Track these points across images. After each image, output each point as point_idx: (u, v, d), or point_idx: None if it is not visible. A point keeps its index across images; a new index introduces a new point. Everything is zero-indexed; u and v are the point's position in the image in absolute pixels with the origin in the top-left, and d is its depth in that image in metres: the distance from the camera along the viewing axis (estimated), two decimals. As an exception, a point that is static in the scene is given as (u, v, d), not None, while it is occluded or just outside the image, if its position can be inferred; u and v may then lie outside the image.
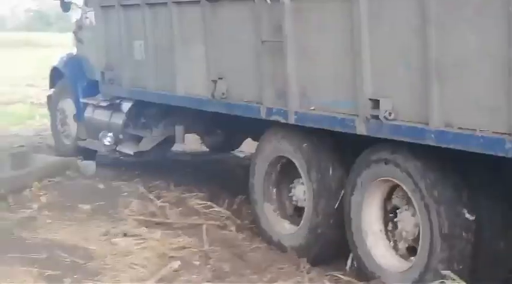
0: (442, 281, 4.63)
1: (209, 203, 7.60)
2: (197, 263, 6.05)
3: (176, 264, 5.90)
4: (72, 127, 10.01)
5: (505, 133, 3.96)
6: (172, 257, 6.13)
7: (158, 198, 7.98)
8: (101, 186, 8.21)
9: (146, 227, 6.97)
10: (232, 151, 9.87)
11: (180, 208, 7.55)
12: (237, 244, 6.55)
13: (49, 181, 8.23)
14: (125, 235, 6.72)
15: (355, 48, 5.10)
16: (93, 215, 7.31)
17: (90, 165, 8.79)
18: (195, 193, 8.03)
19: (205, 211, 7.50)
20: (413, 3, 4.62)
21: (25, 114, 13.18)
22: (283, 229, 6.46)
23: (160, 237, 6.65)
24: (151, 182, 8.59)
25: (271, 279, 5.60)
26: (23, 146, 10.02)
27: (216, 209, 7.35)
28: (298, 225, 6.21)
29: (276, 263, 6.03)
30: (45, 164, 8.66)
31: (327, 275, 5.70)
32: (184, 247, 6.41)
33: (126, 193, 7.97)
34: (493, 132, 4.13)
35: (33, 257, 5.89)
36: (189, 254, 6.25)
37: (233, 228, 6.92)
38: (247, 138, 7.50)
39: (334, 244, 5.89)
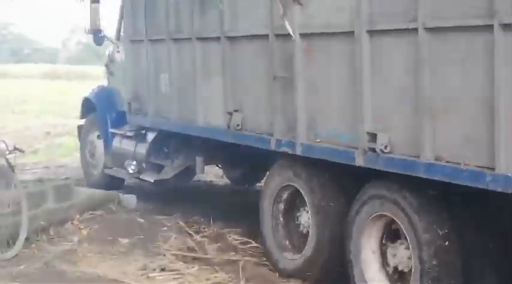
0: None
1: (246, 239, 7.65)
2: (234, 300, 5.51)
3: (214, 303, 5.40)
4: (100, 158, 10.26)
5: (486, 167, 4.34)
6: (209, 293, 5.62)
7: (197, 232, 8.05)
8: (141, 220, 8.26)
9: (184, 262, 6.99)
10: (257, 184, 9.98)
11: (218, 244, 7.58)
12: (272, 280, 6.62)
13: (90, 214, 8.30)
14: (163, 270, 6.72)
15: (356, 86, 5.47)
16: (132, 249, 7.36)
17: (131, 199, 8.85)
18: (233, 229, 8.10)
19: (243, 246, 7.55)
20: (409, 48, 5.10)
21: (73, 145, 13.22)
22: (283, 251, 6.88)
23: (198, 272, 6.68)
24: (190, 216, 8.66)
25: None
26: (68, 178, 10.03)
27: (253, 245, 7.40)
28: (302, 251, 6.54)
29: None
30: (87, 197, 8.68)
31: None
32: (220, 283, 6.45)
33: (165, 228, 8.05)
34: (476, 166, 4.46)
35: (69, 292, 5.46)
36: (226, 291, 5.73)
37: (270, 264, 6.85)
38: (267, 171, 7.51)
39: (334, 270, 6.24)
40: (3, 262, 6.68)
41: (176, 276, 6.59)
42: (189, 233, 7.91)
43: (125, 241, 7.56)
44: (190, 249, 7.43)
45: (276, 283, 6.55)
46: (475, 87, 4.50)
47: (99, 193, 8.95)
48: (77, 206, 8.34)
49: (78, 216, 8.12)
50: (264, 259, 6.98)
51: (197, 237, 7.81)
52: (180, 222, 8.38)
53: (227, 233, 7.95)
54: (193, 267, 6.88)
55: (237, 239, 7.73)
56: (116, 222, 8.12)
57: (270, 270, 6.81)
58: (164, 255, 7.17)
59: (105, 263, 6.83)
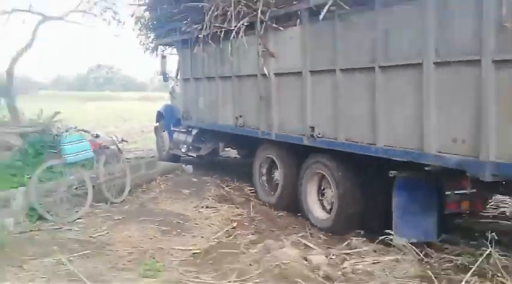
0: None
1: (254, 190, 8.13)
2: (246, 224, 6.50)
3: (234, 224, 6.39)
4: (166, 144, 11.53)
5: (372, 144, 5.17)
6: (232, 220, 6.59)
7: (227, 186, 8.62)
8: (195, 179, 8.79)
9: (219, 203, 7.48)
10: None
11: (238, 192, 8.19)
12: (270, 213, 7.01)
13: (165, 176, 8.90)
14: (207, 207, 7.19)
15: (303, 102, 6.25)
16: (190, 196, 7.87)
17: (189, 168, 9.74)
18: (247, 183, 8.55)
19: (253, 194, 8.05)
20: (330, 81, 5.75)
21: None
22: (271, 196, 7.48)
23: (226, 209, 7.14)
24: (222, 177, 9.28)
25: (288, 233, 5.97)
26: (153, 156, 10.61)
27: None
28: (275, 192, 7.33)
29: (292, 224, 6.47)
30: (164, 167, 9.51)
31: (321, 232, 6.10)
32: (239, 214, 6.89)
33: (208, 183, 8.58)
34: (367, 143, 5.25)
35: (155, 219, 6.36)
36: (242, 219, 6.71)
37: (267, 204, 7.36)
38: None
39: (293, 204, 6.89)
40: (116, 204, 7.19)
41: (214, 211, 7.03)
42: (222, 187, 8.49)
43: (186, 191, 8.08)
44: (223, 195, 7.93)
45: (272, 214, 6.96)
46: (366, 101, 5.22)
47: (170, 165, 9.90)
48: (158, 172, 9.11)
49: (159, 177, 8.76)
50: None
51: (226, 189, 8.37)
52: (217, 180, 8.91)
53: (243, 186, 8.54)
54: (224, 206, 7.30)
55: (249, 190, 8.26)
56: (180, 181, 8.67)
57: (267, 206, 7.25)
58: (208, 199, 7.64)
59: (174, 204, 7.32)
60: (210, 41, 7.86)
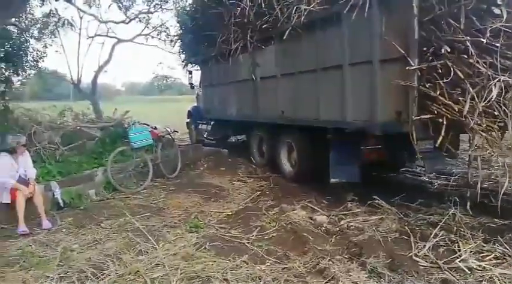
0: None
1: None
2: (267, 192, 6.50)
3: (258, 193, 6.41)
4: (194, 134, 11.82)
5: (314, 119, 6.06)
6: (257, 190, 6.61)
7: (253, 164, 8.37)
8: (230, 160, 8.75)
9: (247, 177, 7.50)
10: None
11: (262, 169, 7.96)
12: (285, 183, 6.93)
13: (208, 158, 8.87)
14: (239, 180, 7.24)
15: (276, 94, 7.01)
16: (225, 172, 7.90)
17: (225, 151, 9.36)
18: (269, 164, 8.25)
19: (272, 171, 7.75)
20: (292, 80, 6.52)
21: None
22: (259, 159, 8.38)
23: (253, 181, 7.20)
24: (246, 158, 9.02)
25: (299, 199, 5.86)
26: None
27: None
28: (263, 158, 8.28)
29: (301, 192, 6.31)
30: (206, 151, 9.43)
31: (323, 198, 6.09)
32: (262, 186, 6.89)
33: (240, 163, 8.47)
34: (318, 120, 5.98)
35: (199, 189, 6.50)
36: (264, 189, 6.69)
37: (283, 178, 7.23)
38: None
39: (274, 164, 7.59)
40: (170, 179, 7.29)
41: (243, 183, 7.11)
42: (250, 165, 8.28)
43: (223, 168, 8.13)
44: (250, 171, 7.87)
45: (287, 185, 6.82)
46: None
47: (211, 149, 9.62)
48: (202, 154, 9.17)
49: (202, 158, 8.78)
50: (280, 175, 7.40)
51: (253, 166, 8.16)
52: (246, 160, 8.65)
53: (266, 165, 8.15)
54: (251, 179, 7.32)
55: (270, 168, 7.88)
56: (218, 161, 8.63)
57: (283, 179, 7.13)
58: (239, 174, 7.69)
59: (214, 178, 7.41)
60: (219, 58, 8.87)
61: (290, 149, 7.19)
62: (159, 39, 16.27)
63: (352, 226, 4.74)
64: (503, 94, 3.97)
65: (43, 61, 17.06)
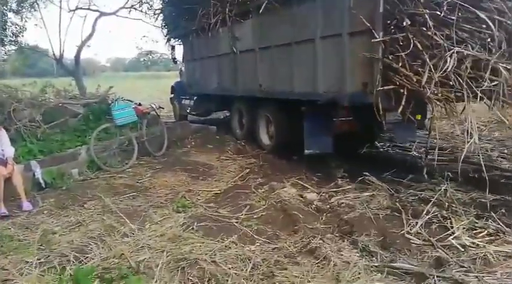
0: None
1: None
2: (256, 170, 6.35)
3: (247, 170, 6.26)
4: (177, 108, 11.61)
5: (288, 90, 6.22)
6: (246, 167, 6.45)
7: (242, 141, 8.08)
8: (217, 137, 8.48)
9: (236, 154, 7.33)
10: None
11: (251, 146, 7.69)
12: (274, 160, 6.78)
13: (195, 135, 8.60)
14: (227, 158, 7.05)
15: (255, 68, 7.05)
16: (213, 149, 7.70)
17: (213, 128, 9.06)
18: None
19: (262, 148, 7.57)
20: (269, 53, 6.61)
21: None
22: (239, 133, 8.51)
23: (242, 159, 7.00)
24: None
25: (289, 176, 5.75)
26: (187, 120, 10.68)
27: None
28: (242, 130, 8.39)
29: (291, 169, 6.20)
30: (195, 128, 9.15)
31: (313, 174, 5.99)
32: (251, 163, 6.73)
33: (228, 140, 8.21)
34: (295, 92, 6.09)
35: (186, 168, 6.37)
36: (253, 166, 6.54)
37: (273, 155, 7.04)
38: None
39: (253, 136, 7.79)
40: (157, 157, 7.07)
41: (232, 161, 6.91)
42: (239, 142, 8.02)
43: (210, 146, 7.89)
44: (239, 149, 7.64)
45: (276, 162, 6.70)
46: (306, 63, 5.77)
47: (198, 126, 9.36)
48: (190, 131, 8.83)
49: (190, 136, 8.50)
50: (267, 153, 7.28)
51: (242, 143, 7.91)
52: (232, 138, 8.44)
53: (255, 142, 7.87)
54: (239, 156, 7.14)
55: (259, 145, 7.67)
56: (206, 138, 8.37)
57: (273, 157, 6.95)
58: (227, 151, 7.47)
59: (201, 156, 7.22)
60: (200, 32, 8.78)
61: (268, 122, 7.41)
62: (141, 11, 15.76)
63: (342, 203, 4.64)
64: (461, 65, 4.09)
65: (22, 36, 16.54)
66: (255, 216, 4.41)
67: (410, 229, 3.89)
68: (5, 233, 3.96)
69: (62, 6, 16.93)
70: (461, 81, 4.09)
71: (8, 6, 15.71)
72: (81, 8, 17.78)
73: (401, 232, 3.85)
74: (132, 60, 68.09)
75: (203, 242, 3.72)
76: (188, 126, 9.22)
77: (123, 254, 3.47)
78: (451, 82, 4.12)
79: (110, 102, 7.69)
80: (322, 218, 4.31)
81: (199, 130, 8.88)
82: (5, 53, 19.04)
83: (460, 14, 4.19)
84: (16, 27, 15.74)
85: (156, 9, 12.89)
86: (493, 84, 4.14)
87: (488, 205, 4.23)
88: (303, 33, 5.73)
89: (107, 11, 17.68)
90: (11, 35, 15.90)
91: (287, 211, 4.42)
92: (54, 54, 18.06)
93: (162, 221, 4.27)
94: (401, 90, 4.28)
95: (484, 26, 4.24)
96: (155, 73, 51.89)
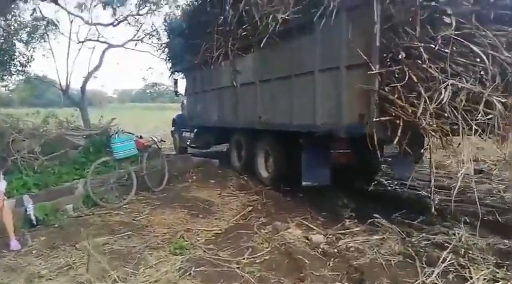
0: None
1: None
2: (259, 208, 6.11)
3: (249, 208, 6.04)
4: (178, 141, 11.76)
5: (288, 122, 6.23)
6: (248, 205, 6.24)
7: (245, 177, 7.88)
8: (220, 171, 8.34)
9: (238, 190, 7.11)
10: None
11: (254, 182, 7.51)
12: (278, 197, 6.62)
13: (197, 169, 8.44)
14: (229, 194, 6.86)
15: (255, 100, 7.14)
16: (215, 184, 7.46)
17: (216, 162, 8.90)
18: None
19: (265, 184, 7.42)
20: (270, 86, 6.73)
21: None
22: (237, 165, 8.60)
23: (244, 195, 6.80)
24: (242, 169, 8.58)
25: (293, 215, 5.56)
26: (189, 153, 10.47)
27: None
28: (241, 163, 8.50)
29: (296, 208, 6.03)
30: (196, 161, 8.94)
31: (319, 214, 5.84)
32: (254, 200, 6.51)
33: (230, 175, 8.06)
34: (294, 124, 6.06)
35: (186, 204, 6.10)
36: (256, 204, 6.30)
37: (276, 192, 6.86)
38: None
39: (251, 168, 7.84)
40: (156, 192, 6.83)
41: (234, 197, 6.72)
42: (241, 177, 7.83)
43: (212, 181, 7.67)
44: (241, 184, 7.43)
45: (280, 199, 6.50)
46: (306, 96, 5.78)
47: (200, 159, 9.14)
48: (192, 165, 8.68)
49: (191, 170, 8.32)
50: (273, 188, 7.06)
51: (245, 178, 7.73)
52: (236, 173, 8.23)
53: (259, 178, 7.68)
54: (242, 193, 6.95)
55: (262, 182, 7.50)
56: (208, 172, 8.19)
57: (277, 192, 6.78)
58: (229, 187, 7.25)
59: (202, 191, 6.95)
60: (202, 66, 8.90)
61: (266, 155, 7.52)
62: (150, 44, 15.94)
63: (351, 247, 4.34)
64: (456, 98, 4.16)
65: (30, 66, 16.69)
66: (257, 260, 4.10)
67: (426, 279, 3.57)
68: (-13, 276, 3.67)
69: (72, 38, 17.26)
70: (456, 113, 4.14)
71: (19, 37, 15.97)
72: (90, 40, 18.08)
73: (416, 282, 3.53)
74: (138, 91, 69.13)
75: (201, 291, 3.43)
76: (190, 159, 9.01)
77: (112, 304, 3.19)
78: (446, 114, 4.15)
79: (111, 134, 7.51)
80: (329, 264, 4.00)
81: (201, 164, 8.66)
82: (12, 83, 19.22)
83: (454, 48, 4.26)
84: (24, 57, 15.95)
85: (162, 43, 13.27)
86: (488, 117, 4.18)
87: (508, 252, 3.95)
88: (303, 66, 5.80)
89: (115, 43, 18.01)
90: (19, 64, 16.10)
91: (292, 255, 4.13)
92: (60, 85, 18.20)
93: (157, 264, 3.97)
94: (397, 121, 4.30)
95: (478, 59, 4.28)
96: (161, 104, 52.40)
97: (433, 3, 4.29)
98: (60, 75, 21.46)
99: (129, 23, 16.07)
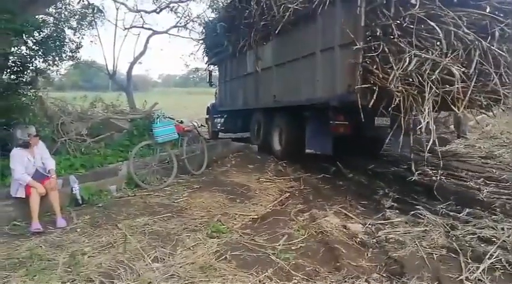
0: None
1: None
2: (297, 194, 6.09)
3: (287, 195, 6.01)
4: (211, 126, 12.55)
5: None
6: (286, 191, 6.21)
7: (283, 163, 7.91)
8: (259, 157, 8.34)
9: (276, 176, 7.08)
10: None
11: (292, 168, 7.58)
12: (317, 185, 6.60)
13: (237, 153, 8.48)
14: (267, 180, 6.79)
15: (271, 82, 8.14)
16: (253, 170, 7.48)
17: (254, 147, 8.91)
18: (300, 163, 7.87)
19: (303, 170, 7.51)
20: (283, 69, 7.71)
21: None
22: (256, 142, 9.38)
23: (282, 181, 6.76)
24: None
25: (332, 203, 5.50)
26: (229, 138, 10.78)
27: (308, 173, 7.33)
28: (259, 140, 9.37)
29: (334, 195, 5.97)
30: (236, 146, 9.04)
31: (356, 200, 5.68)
32: (292, 187, 6.49)
33: (269, 161, 8.05)
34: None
35: (224, 188, 6.13)
36: (293, 190, 6.29)
37: (315, 179, 6.90)
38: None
39: (268, 145, 8.69)
40: (196, 176, 6.87)
41: (272, 183, 6.65)
42: (279, 163, 7.84)
43: (250, 166, 7.68)
44: (279, 170, 7.46)
45: (318, 186, 6.48)
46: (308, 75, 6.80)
47: (239, 144, 9.19)
48: (231, 150, 8.72)
49: (231, 155, 8.36)
50: (312, 175, 7.05)
51: (283, 165, 7.74)
52: (274, 158, 8.24)
53: (296, 164, 7.76)
54: (280, 179, 6.89)
55: (300, 167, 7.63)
56: (247, 158, 8.23)
57: (315, 179, 6.75)
58: (267, 173, 7.24)
59: (241, 176, 6.98)
60: (231, 57, 10.28)
61: (280, 131, 8.39)
62: (191, 29, 16.06)
63: (391, 238, 4.17)
64: (422, 67, 4.79)
65: (79, 52, 17.35)
66: (293, 247, 4.05)
67: (470, 275, 3.39)
68: (35, 251, 3.83)
69: (118, 25, 17.74)
70: (421, 79, 4.77)
71: (69, 24, 16.58)
72: (135, 27, 18.52)
73: (459, 278, 3.36)
74: (182, 76, 70.25)
75: (235, 275, 3.40)
76: (229, 144, 9.08)
77: (150, 282, 3.23)
78: (411, 80, 4.84)
79: (153, 118, 7.67)
80: (367, 255, 3.89)
81: (241, 149, 8.68)
82: (64, 69, 20.08)
83: (422, 25, 4.95)
84: (73, 44, 16.55)
85: (198, 39, 14.95)
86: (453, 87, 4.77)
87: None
88: (307, 48, 6.75)
89: (159, 30, 18.33)
90: (69, 50, 16.72)
91: (328, 244, 4.05)
92: (107, 70, 18.84)
93: (194, 246, 4.00)
94: (374, 88, 5.06)
95: (441, 35, 4.85)
96: (204, 89, 53.01)
97: None
98: (108, 61, 22.18)
99: (171, 10, 16.27)
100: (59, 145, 7.11)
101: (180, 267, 3.53)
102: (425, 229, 4.33)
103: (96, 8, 15.79)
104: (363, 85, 5.19)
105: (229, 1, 10.38)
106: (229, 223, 4.69)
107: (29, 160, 4.77)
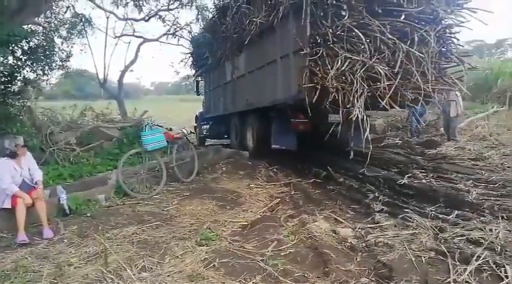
0: None
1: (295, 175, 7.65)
2: (287, 200, 6.11)
3: (277, 200, 6.01)
4: (199, 133, 13.19)
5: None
6: (276, 197, 6.22)
7: (274, 169, 7.97)
8: (249, 163, 8.36)
9: (267, 182, 7.11)
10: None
11: (283, 174, 7.58)
12: (307, 190, 6.57)
13: (227, 160, 8.54)
14: (257, 185, 6.81)
15: (245, 88, 9.11)
16: (244, 176, 7.51)
17: (246, 153, 8.92)
18: (290, 169, 7.99)
19: (294, 176, 7.48)
20: (252, 75, 8.72)
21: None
22: (235, 142, 10.30)
23: (272, 187, 6.77)
24: (271, 162, 8.59)
25: (321, 208, 5.51)
26: (220, 145, 10.86)
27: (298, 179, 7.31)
28: (237, 140, 10.19)
29: (324, 201, 5.97)
30: (226, 153, 9.13)
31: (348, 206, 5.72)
32: (282, 192, 6.51)
33: (260, 166, 8.10)
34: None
35: (214, 195, 6.13)
36: (284, 196, 6.30)
37: (306, 183, 6.86)
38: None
39: (244, 144, 9.48)
40: (186, 183, 6.89)
41: (262, 189, 6.69)
42: (270, 169, 7.90)
43: (241, 172, 7.74)
44: (270, 176, 7.51)
45: (309, 192, 6.44)
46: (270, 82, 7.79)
47: (230, 151, 9.30)
48: (222, 157, 8.77)
49: (221, 161, 8.39)
50: (302, 180, 7.00)
51: (274, 170, 7.80)
52: (267, 164, 8.29)
53: (287, 170, 7.87)
54: (270, 184, 6.91)
55: (291, 172, 7.69)
56: (238, 164, 8.27)
57: (306, 184, 6.73)
58: (258, 179, 7.30)
59: (231, 183, 7.01)
60: (213, 68, 11.61)
61: (252, 131, 9.16)
62: (181, 37, 16.06)
63: (380, 241, 4.19)
64: (353, 67, 5.73)
65: (69, 61, 17.27)
66: (282, 253, 4.03)
67: (458, 277, 3.39)
68: (21, 263, 3.78)
69: (108, 33, 17.70)
70: (352, 78, 5.65)
71: (58, 33, 16.51)
72: (126, 35, 18.47)
73: (447, 280, 3.36)
74: (174, 84, 70.14)
75: (223, 283, 3.39)
76: (220, 151, 9.12)
77: (137, 293, 3.22)
78: (343, 78, 5.74)
79: (141, 126, 7.64)
80: (356, 259, 3.88)
81: (231, 156, 8.69)
82: (54, 78, 19.96)
83: (353, 33, 5.87)
84: (63, 53, 16.48)
85: (186, 53, 15.31)
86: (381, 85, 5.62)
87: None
88: (270, 56, 7.68)
89: (150, 37, 18.29)
90: (59, 60, 16.64)
91: (318, 249, 4.04)
92: (98, 79, 18.76)
93: (183, 255, 3.98)
94: (317, 86, 5.91)
95: (368, 40, 5.83)
96: (195, 97, 52.89)
97: (334, 1, 6.07)
98: (99, 69, 22.11)
99: (160, 17, 16.26)
100: (47, 155, 7.07)
101: (168, 276, 3.51)
102: (414, 232, 4.34)
103: (84, 19, 15.74)
104: (309, 85, 6.06)
105: (210, 17, 11.68)
106: (218, 230, 4.66)
107: (16, 170, 4.73)
